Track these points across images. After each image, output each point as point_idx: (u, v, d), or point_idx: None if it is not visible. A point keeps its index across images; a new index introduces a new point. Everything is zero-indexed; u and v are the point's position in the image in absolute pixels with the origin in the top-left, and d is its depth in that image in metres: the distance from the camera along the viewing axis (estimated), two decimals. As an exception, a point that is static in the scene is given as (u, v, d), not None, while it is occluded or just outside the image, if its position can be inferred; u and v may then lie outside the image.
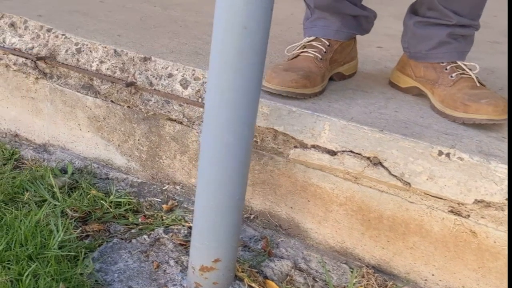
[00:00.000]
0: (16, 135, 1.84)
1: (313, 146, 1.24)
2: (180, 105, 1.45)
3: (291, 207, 1.36)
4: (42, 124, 1.76)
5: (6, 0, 1.98)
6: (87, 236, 1.41)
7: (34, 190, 1.54)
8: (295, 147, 1.29)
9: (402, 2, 2.29)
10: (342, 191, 1.27)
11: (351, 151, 1.19)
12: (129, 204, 1.50)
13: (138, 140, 1.57)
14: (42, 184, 1.57)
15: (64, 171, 1.66)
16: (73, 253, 1.28)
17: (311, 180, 1.30)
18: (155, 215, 1.48)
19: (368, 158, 1.18)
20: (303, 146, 1.26)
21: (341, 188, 1.27)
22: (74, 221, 1.43)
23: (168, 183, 1.56)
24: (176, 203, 1.52)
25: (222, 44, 1.00)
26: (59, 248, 1.28)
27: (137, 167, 1.60)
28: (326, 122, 1.21)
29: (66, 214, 1.46)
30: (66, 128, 1.70)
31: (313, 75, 1.28)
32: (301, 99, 1.28)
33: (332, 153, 1.22)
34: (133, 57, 1.52)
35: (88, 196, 1.52)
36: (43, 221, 1.38)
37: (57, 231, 1.34)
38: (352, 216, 1.28)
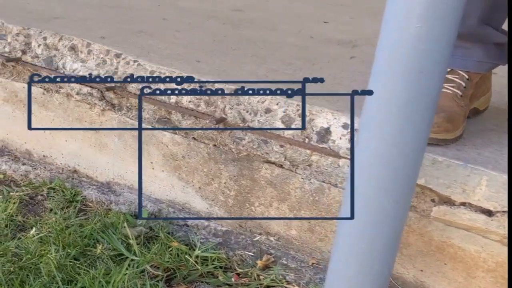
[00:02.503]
0: (75, 171, 1.64)
1: (463, 204, 1.03)
2: (282, 146, 1.24)
3: (421, 270, 1.15)
4: (106, 160, 1.56)
5: (59, 18, 1.78)
6: (175, 300, 1.21)
7: (107, 242, 1.34)
8: (432, 200, 1.08)
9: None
10: (492, 255, 1.05)
11: (516, 212, 0.98)
12: (218, 260, 1.30)
13: (225, 183, 1.36)
14: (114, 234, 1.36)
15: (136, 216, 1.46)
16: (168, 328, 1.08)
17: (451, 241, 1.09)
18: (249, 273, 1.28)
19: (539, 221, 0.97)
20: (449, 203, 1.04)
21: (491, 252, 1.05)
22: (158, 281, 1.23)
23: (260, 234, 1.35)
24: (273, 258, 1.31)
25: (386, 90, 0.80)
26: (152, 322, 1.08)
27: (221, 213, 1.40)
28: (483, 176, 0.99)
29: (147, 271, 1.26)
30: (136, 167, 1.50)
31: (455, 116, 1.07)
32: (442, 146, 1.06)
33: (489, 213, 1.01)
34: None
35: (170, 250, 1.32)
36: (126, 283, 1.18)
37: (145, 298, 1.14)
38: (502, 284, 1.07)
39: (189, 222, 1.42)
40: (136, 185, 1.53)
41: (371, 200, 0.86)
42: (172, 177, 1.45)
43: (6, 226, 1.39)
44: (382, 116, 0.81)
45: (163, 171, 1.46)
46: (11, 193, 1.54)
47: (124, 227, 1.36)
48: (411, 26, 0.75)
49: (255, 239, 1.35)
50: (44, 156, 1.68)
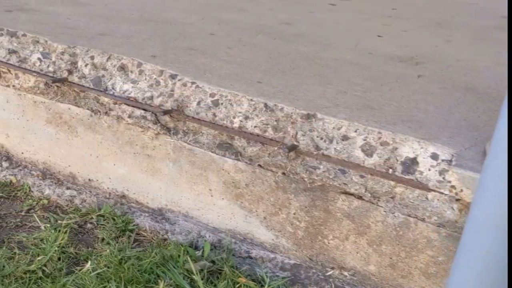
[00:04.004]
0: (123, 196, 1.55)
1: None
2: (362, 177, 1.15)
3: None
4: (159, 186, 1.47)
5: (104, 35, 1.70)
6: None
7: (169, 278, 1.25)
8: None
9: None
10: None
11: None
12: (290, 298, 1.21)
13: (294, 214, 1.27)
14: (175, 268, 1.28)
15: (196, 247, 1.37)
16: None
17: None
18: (325, 312, 1.19)
19: None
20: None
21: None
22: (229, 322, 1.14)
23: (333, 268, 1.26)
24: (349, 296, 1.22)
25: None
26: None
27: (288, 245, 1.31)
28: None
29: (214, 310, 1.17)
30: (192, 193, 1.42)
31: None
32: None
33: None
34: (291, 113, 1.23)
35: (238, 286, 1.23)
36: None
37: None
38: None
39: (253, 253, 1.34)
40: (192, 213, 1.44)
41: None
42: (233, 205, 1.36)
43: (59, 259, 1.31)
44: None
45: (223, 198, 1.37)
46: (59, 221, 1.46)
47: (186, 260, 1.28)
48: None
49: (327, 273, 1.26)
50: (89, 180, 1.59)
